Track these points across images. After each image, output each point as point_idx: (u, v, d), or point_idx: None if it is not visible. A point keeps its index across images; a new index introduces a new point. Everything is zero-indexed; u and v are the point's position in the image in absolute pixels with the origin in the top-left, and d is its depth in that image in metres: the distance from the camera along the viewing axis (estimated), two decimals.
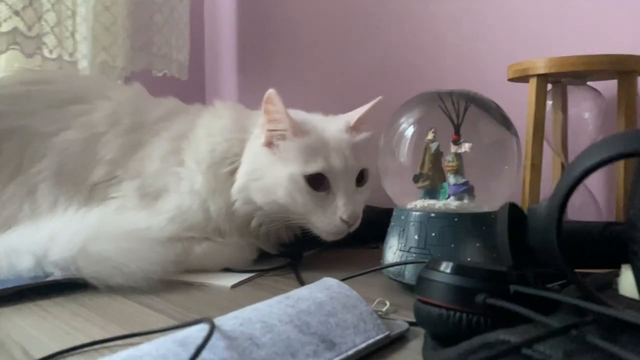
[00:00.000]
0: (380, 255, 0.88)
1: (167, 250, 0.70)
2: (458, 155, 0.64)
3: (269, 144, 0.75)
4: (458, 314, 0.41)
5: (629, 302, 0.40)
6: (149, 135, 0.82)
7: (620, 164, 0.71)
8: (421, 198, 0.66)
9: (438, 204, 0.64)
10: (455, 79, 1.03)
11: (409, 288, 0.66)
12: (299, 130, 0.74)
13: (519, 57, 0.78)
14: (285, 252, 0.84)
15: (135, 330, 0.51)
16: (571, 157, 0.77)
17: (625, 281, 0.43)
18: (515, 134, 0.65)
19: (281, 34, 1.42)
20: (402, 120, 0.68)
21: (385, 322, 0.51)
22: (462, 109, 0.64)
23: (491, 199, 0.65)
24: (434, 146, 0.64)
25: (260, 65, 1.50)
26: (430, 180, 0.65)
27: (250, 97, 1.54)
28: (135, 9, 1.14)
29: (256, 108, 0.87)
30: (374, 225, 0.99)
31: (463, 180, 0.64)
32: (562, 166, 0.83)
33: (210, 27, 1.65)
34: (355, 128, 0.79)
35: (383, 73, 1.17)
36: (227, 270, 0.76)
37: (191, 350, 0.39)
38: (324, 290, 0.53)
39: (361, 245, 0.94)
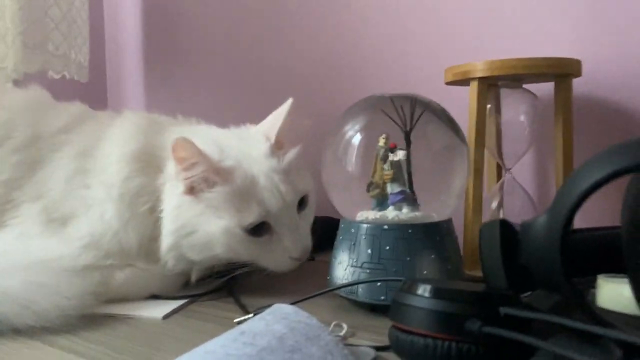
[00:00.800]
0: (319, 269, 0.84)
1: (85, 281, 0.61)
2: (394, 163, 0.60)
3: (191, 190, 0.65)
4: (447, 343, 0.37)
5: (623, 318, 0.38)
6: (48, 150, 0.72)
7: (560, 172, 0.71)
8: (373, 209, 0.62)
9: (390, 214, 0.61)
10: (385, 83, 1.01)
11: (362, 306, 0.62)
12: (221, 173, 0.64)
13: (452, 60, 0.77)
14: (219, 271, 0.76)
15: None
16: (506, 160, 0.76)
17: (604, 293, 0.42)
18: (464, 139, 0.63)
19: (192, 30, 1.33)
20: (348, 127, 0.64)
21: (350, 350, 0.46)
22: (412, 114, 0.61)
23: (440, 208, 0.63)
24: (382, 153, 0.61)
25: (169, 66, 1.40)
26: (380, 189, 0.61)
27: (157, 100, 1.43)
28: (27, 2, 1.01)
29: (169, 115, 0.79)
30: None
31: (399, 189, 0.61)
32: (498, 169, 0.83)
33: (111, 23, 1.51)
34: (277, 144, 0.71)
35: (304, 76, 1.13)
36: (154, 297, 0.68)
37: None
38: (281, 321, 0.47)
39: None
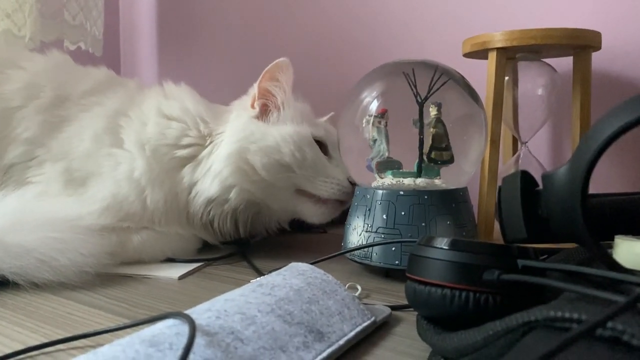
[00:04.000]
0: (331, 240, 0.84)
1: (102, 241, 0.61)
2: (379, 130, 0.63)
3: (262, 115, 0.72)
4: (464, 293, 0.38)
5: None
6: (77, 110, 0.72)
7: (576, 143, 0.71)
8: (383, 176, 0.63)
9: (406, 181, 0.61)
10: (401, 54, 1.00)
11: (376, 271, 0.62)
12: (290, 98, 0.73)
13: (469, 32, 0.77)
14: (232, 239, 0.77)
15: (77, 332, 0.44)
16: (522, 133, 0.76)
17: (620, 251, 0.42)
18: (482, 107, 0.63)
19: (206, 5, 1.33)
20: (365, 94, 0.64)
21: (367, 307, 0.47)
22: (432, 81, 0.61)
23: (457, 175, 0.63)
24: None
25: (183, 42, 1.39)
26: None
27: (170, 77, 1.43)
28: None
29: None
30: None
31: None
32: (514, 142, 0.83)
33: None
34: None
35: (320, 47, 1.12)
36: (169, 260, 0.68)
37: (164, 350, 0.33)
38: (298, 276, 0.48)
39: (307, 231, 0.90)
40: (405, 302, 0.51)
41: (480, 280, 0.37)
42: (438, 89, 0.61)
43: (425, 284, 0.40)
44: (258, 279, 0.58)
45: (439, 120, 0.61)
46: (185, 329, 0.35)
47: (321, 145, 0.72)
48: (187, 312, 0.39)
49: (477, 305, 0.37)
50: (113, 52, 1.50)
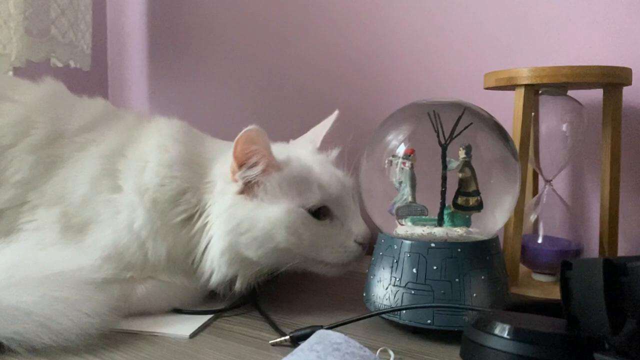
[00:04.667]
0: (340, 280, 0.80)
1: (106, 296, 0.56)
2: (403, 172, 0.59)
3: (247, 189, 0.62)
4: None
5: None
6: (72, 149, 0.66)
7: (606, 184, 0.68)
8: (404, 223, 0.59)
9: (438, 231, 0.57)
10: (421, 87, 0.96)
11: (403, 328, 0.58)
12: (278, 163, 0.63)
13: (490, 65, 0.73)
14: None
15: None
16: (544, 170, 0.73)
17: None
18: (515, 153, 0.59)
19: (198, 20, 1.27)
20: (391, 136, 0.60)
21: None
22: (456, 123, 0.57)
23: (489, 224, 0.59)
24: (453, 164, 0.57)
25: (173, 57, 1.33)
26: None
27: (160, 92, 1.37)
28: None
29: (184, 119, 0.75)
30: None
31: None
32: (534, 177, 0.80)
33: (113, 11, 1.44)
34: (320, 149, 0.73)
35: (331, 79, 1.07)
36: (176, 311, 0.63)
37: None
38: (333, 353, 0.43)
39: None
40: None
41: None
42: (461, 132, 0.57)
43: None
44: (284, 342, 0.54)
45: (466, 164, 0.57)
46: None
47: (319, 208, 0.63)
48: None
49: None
50: (100, 66, 1.43)
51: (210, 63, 1.26)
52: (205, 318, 0.61)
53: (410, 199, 0.59)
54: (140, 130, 0.70)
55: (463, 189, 0.58)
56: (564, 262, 0.39)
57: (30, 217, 0.63)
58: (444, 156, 0.57)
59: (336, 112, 0.74)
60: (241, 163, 0.61)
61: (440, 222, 0.58)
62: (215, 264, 0.62)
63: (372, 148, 0.61)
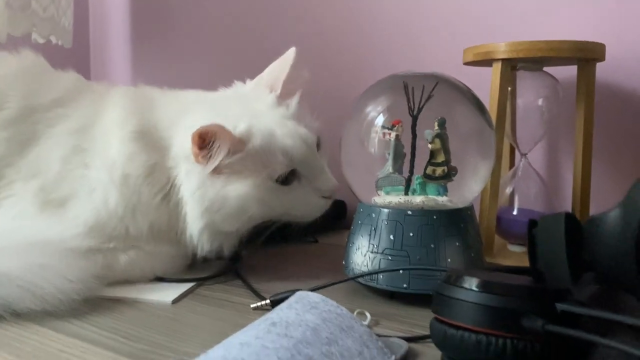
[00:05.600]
0: (324, 251, 0.82)
1: (88, 264, 0.57)
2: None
3: (215, 170, 0.61)
4: (501, 340, 0.36)
5: None
6: (44, 125, 0.66)
7: (579, 158, 0.70)
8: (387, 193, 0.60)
9: (415, 199, 0.59)
10: (401, 61, 0.97)
11: (380, 292, 0.59)
12: (241, 141, 0.62)
13: (469, 40, 0.75)
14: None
15: None
16: (520, 144, 0.75)
17: None
18: (491, 123, 0.61)
19: None
20: (369, 108, 0.61)
21: (384, 342, 0.44)
22: (426, 95, 0.58)
23: (465, 193, 0.61)
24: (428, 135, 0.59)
25: (157, 33, 1.33)
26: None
27: (143, 68, 1.36)
28: None
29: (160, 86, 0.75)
30: None
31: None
32: (511, 153, 0.82)
33: None
34: (282, 96, 0.69)
35: (314, 52, 1.07)
36: (159, 279, 0.65)
37: None
38: (311, 310, 0.45)
39: (298, 240, 0.87)
40: (418, 330, 0.50)
41: (519, 326, 0.35)
42: (427, 100, 0.58)
43: (457, 327, 0.37)
44: (265, 306, 0.55)
45: (437, 135, 0.59)
46: None
47: (287, 175, 0.64)
48: (201, 358, 0.36)
49: (516, 353, 0.35)
50: (82, 44, 1.42)
51: (194, 41, 1.26)
52: (188, 286, 0.62)
53: (391, 170, 0.61)
54: (102, 104, 0.69)
55: (433, 159, 0.59)
56: (531, 221, 0.41)
57: (8, 192, 0.63)
58: (413, 126, 0.59)
59: (292, 50, 0.70)
60: (205, 154, 0.60)
61: (406, 191, 0.60)
62: (197, 241, 0.64)
63: (351, 119, 0.63)
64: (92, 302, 0.56)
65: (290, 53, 0.70)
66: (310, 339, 0.40)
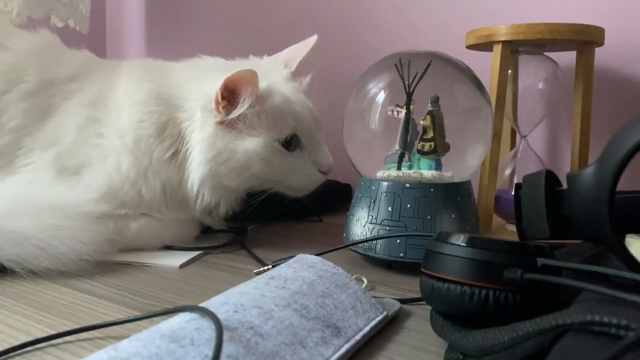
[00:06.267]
0: (328, 229, 0.84)
1: (101, 228, 0.60)
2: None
3: (230, 123, 0.64)
4: (484, 290, 0.38)
5: None
6: (60, 97, 0.70)
7: (576, 140, 0.72)
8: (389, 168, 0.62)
9: (412, 173, 0.61)
10: (404, 43, 1.00)
11: (378, 262, 0.62)
12: (263, 95, 0.65)
13: (472, 24, 0.77)
14: (230, 227, 0.76)
15: (82, 322, 0.43)
16: (522, 127, 0.76)
17: (633, 252, 0.42)
18: (489, 101, 0.63)
19: None
20: (371, 85, 0.63)
21: (378, 301, 0.47)
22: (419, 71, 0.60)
23: (462, 169, 0.63)
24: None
25: (172, 19, 1.36)
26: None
27: (161, 54, 1.39)
28: None
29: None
30: (317, 197, 0.94)
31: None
32: (512, 135, 0.83)
33: None
34: (295, 75, 0.74)
35: (321, 33, 1.10)
36: (168, 248, 0.67)
37: (186, 346, 0.32)
38: (309, 269, 0.47)
39: (303, 219, 0.90)
40: (412, 295, 0.52)
41: (501, 278, 0.37)
42: (422, 77, 0.60)
43: (444, 280, 0.40)
44: (267, 271, 0.57)
45: (429, 112, 0.61)
46: (204, 323, 0.34)
47: (292, 138, 0.67)
48: (203, 304, 0.38)
49: (497, 303, 0.37)
50: (99, 30, 1.46)
51: (208, 25, 1.29)
52: (195, 254, 0.65)
53: (397, 147, 0.63)
54: (114, 77, 0.72)
55: (424, 135, 0.61)
56: (517, 184, 0.43)
57: (25, 161, 0.67)
58: (408, 103, 0.61)
59: (315, 37, 0.75)
60: (229, 99, 0.63)
61: (399, 166, 0.62)
62: (197, 189, 0.66)
63: (354, 96, 0.65)
64: (103, 264, 0.59)
65: (312, 39, 0.75)
66: (307, 291, 0.43)
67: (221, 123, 0.64)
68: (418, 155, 0.61)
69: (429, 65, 0.59)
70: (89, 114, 0.69)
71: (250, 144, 0.64)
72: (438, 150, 0.60)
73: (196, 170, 0.65)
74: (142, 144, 0.66)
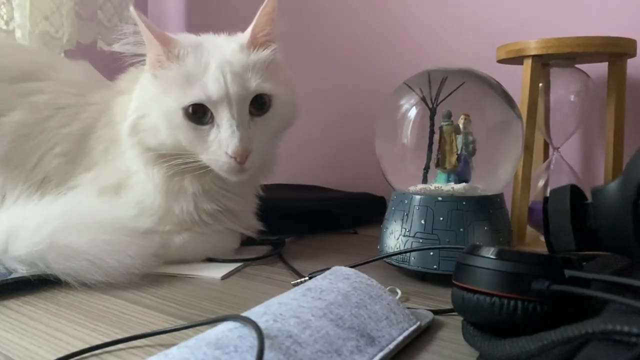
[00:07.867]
0: (363, 242, 0.86)
1: (147, 243, 0.64)
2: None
3: (152, 66, 0.66)
4: (513, 301, 0.39)
5: None
6: (93, 119, 0.74)
7: (610, 152, 0.72)
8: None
9: (444, 187, 0.62)
10: (436, 59, 1.01)
11: (412, 274, 0.63)
12: (175, 54, 0.64)
13: (503, 38, 0.78)
14: (267, 239, 0.79)
15: (132, 331, 0.46)
16: (554, 139, 0.77)
17: None
18: (519, 115, 0.64)
19: (237, 5, 1.35)
20: (403, 101, 0.65)
21: (411, 311, 0.48)
22: (438, 91, 0.62)
23: (493, 182, 0.64)
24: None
25: None
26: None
27: None
28: None
29: None
30: (352, 210, 0.97)
31: None
32: (545, 147, 0.84)
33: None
34: (253, 44, 0.67)
35: (352, 50, 1.14)
36: (209, 260, 0.71)
37: (230, 353, 0.34)
38: (344, 280, 0.49)
39: (339, 231, 0.92)
40: (445, 306, 0.53)
41: (529, 289, 0.39)
42: (446, 97, 0.62)
43: (474, 292, 0.41)
44: (304, 282, 0.60)
45: (440, 128, 0.63)
46: (246, 331, 0.37)
47: (202, 110, 0.64)
48: (245, 314, 0.41)
49: (525, 314, 0.39)
50: None
51: None
52: (236, 265, 0.68)
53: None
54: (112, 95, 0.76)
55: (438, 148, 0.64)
56: (545, 198, 0.44)
57: (73, 183, 0.71)
58: (431, 118, 0.63)
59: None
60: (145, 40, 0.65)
61: (424, 180, 0.64)
62: (128, 144, 0.69)
63: (386, 112, 0.67)
64: (150, 277, 0.63)
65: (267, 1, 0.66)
66: (342, 302, 0.45)
67: (150, 73, 0.67)
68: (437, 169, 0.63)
69: (459, 86, 0.61)
70: (110, 136, 0.73)
71: (160, 107, 0.65)
72: (440, 164, 0.63)
73: (128, 119, 0.68)
74: (151, 162, 0.69)
